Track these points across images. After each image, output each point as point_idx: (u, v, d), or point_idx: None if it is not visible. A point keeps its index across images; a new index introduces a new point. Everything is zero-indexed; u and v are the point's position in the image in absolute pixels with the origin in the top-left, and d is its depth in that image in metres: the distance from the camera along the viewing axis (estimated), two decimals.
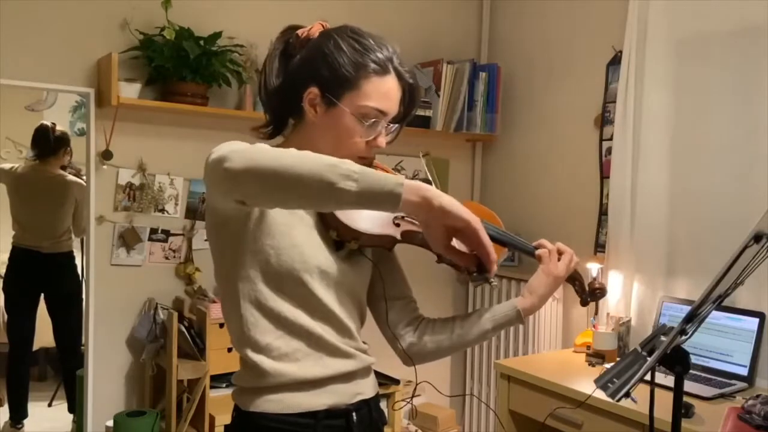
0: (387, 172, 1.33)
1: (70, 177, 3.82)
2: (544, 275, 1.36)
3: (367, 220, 1.23)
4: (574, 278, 1.49)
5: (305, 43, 1.27)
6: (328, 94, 1.21)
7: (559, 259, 1.38)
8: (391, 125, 1.27)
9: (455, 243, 1.06)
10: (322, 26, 1.28)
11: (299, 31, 1.28)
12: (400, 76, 1.25)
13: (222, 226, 1.19)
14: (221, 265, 1.23)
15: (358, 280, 1.31)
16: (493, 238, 1.33)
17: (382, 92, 1.22)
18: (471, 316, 1.37)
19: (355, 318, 1.31)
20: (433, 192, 0.99)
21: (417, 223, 1.25)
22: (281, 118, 1.31)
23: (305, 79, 1.23)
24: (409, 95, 1.29)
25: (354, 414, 1.27)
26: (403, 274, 1.43)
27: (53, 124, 3.82)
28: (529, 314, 1.36)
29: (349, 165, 0.97)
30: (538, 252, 1.39)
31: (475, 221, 1.02)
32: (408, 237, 1.27)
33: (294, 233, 1.20)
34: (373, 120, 1.22)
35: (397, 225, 1.25)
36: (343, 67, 1.20)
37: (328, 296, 1.23)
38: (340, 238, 1.24)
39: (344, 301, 1.27)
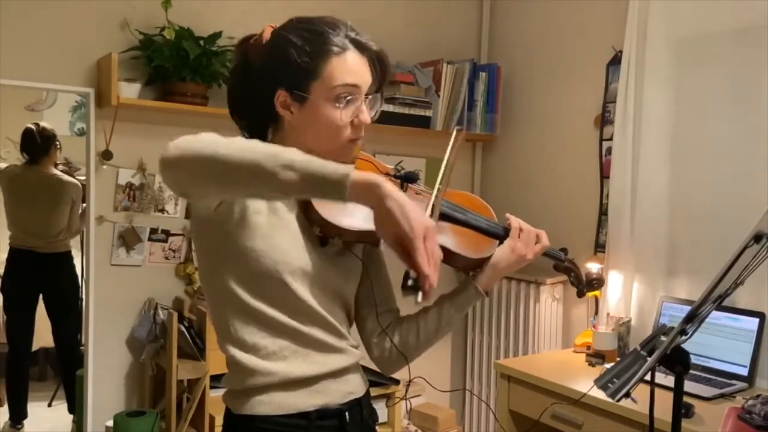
0: (375, 165, 1.31)
1: (65, 176, 3.81)
2: (509, 250, 1.33)
3: (351, 216, 1.19)
4: (570, 269, 1.48)
5: (261, 48, 1.24)
6: (296, 90, 1.18)
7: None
8: (371, 98, 1.23)
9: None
10: (272, 28, 1.25)
11: (252, 40, 1.26)
12: (361, 48, 1.21)
13: (203, 229, 1.18)
14: (204, 268, 1.22)
15: (344, 281, 1.29)
16: (483, 230, 1.32)
17: (346, 69, 1.18)
18: (432, 308, 1.35)
19: (342, 318, 1.29)
20: (381, 190, 0.94)
21: None
22: (259, 129, 1.28)
23: (270, 85, 1.21)
24: (379, 64, 1.24)
25: (347, 414, 1.26)
26: (388, 281, 1.40)
27: (36, 124, 3.81)
28: (486, 288, 1.32)
29: (292, 154, 0.95)
30: (508, 215, 1.36)
31: (420, 229, 0.93)
32: None
33: (276, 234, 1.18)
34: (348, 98, 1.19)
35: None
36: (300, 58, 1.17)
37: (310, 296, 1.21)
38: (323, 234, 1.22)
39: (329, 301, 1.25)
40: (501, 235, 1.35)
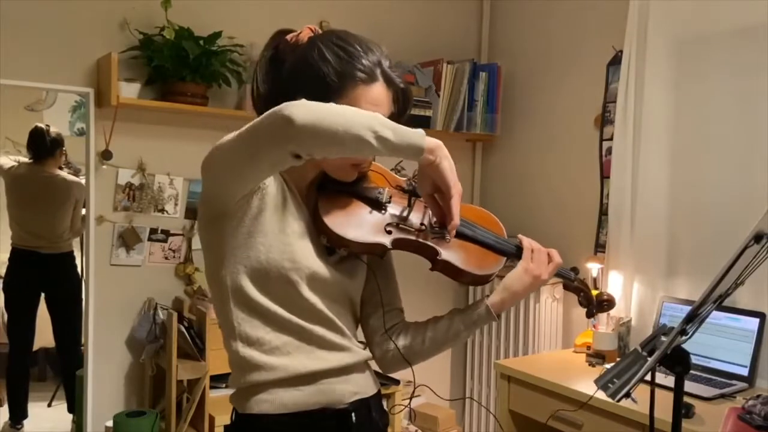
0: (386, 178, 1.32)
1: (70, 177, 3.82)
2: (522, 272, 1.31)
3: (357, 228, 1.22)
4: (580, 289, 1.44)
5: (294, 48, 1.25)
6: None
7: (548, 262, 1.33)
8: None
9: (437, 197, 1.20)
10: (311, 31, 1.26)
11: (288, 36, 1.27)
12: (389, 81, 1.23)
13: (218, 219, 1.19)
14: (211, 260, 1.22)
15: (351, 284, 1.29)
16: (490, 246, 1.32)
17: (370, 99, 1.20)
18: (443, 319, 1.35)
19: (348, 318, 1.29)
20: (441, 152, 1.13)
21: (410, 229, 1.25)
22: None
23: (292, 90, 1.21)
24: (402, 98, 1.27)
25: (353, 414, 1.26)
26: (394, 280, 1.41)
27: (47, 126, 3.83)
28: (499, 311, 1.31)
29: (383, 117, 1.08)
30: (519, 237, 1.34)
31: (456, 189, 1.16)
32: (399, 244, 1.25)
33: (288, 233, 1.19)
34: None
35: (389, 232, 1.24)
36: (328, 76, 1.19)
37: (316, 298, 1.22)
38: (330, 244, 1.24)
39: (336, 303, 1.26)
40: (509, 252, 1.33)
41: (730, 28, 2.47)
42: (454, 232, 1.20)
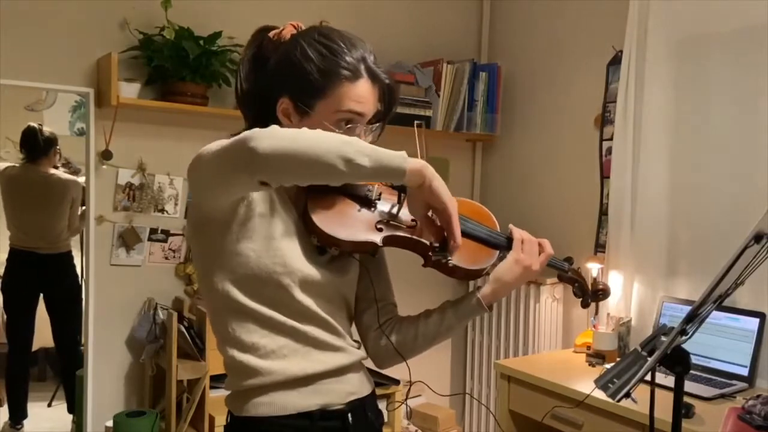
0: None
1: (65, 175, 3.82)
2: (513, 262, 1.28)
3: (347, 228, 1.20)
4: (574, 280, 1.44)
5: (277, 46, 1.24)
6: (300, 103, 1.19)
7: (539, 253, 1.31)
8: (372, 126, 1.25)
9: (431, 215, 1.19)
10: (294, 27, 1.25)
11: (271, 33, 1.26)
12: (374, 77, 1.22)
13: (206, 225, 1.18)
14: (202, 267, 1.22)
15: (344, 282, 1.28)
16: (482, 240, 1.31)
17: (354, 98, 1.19)
18: (435, 313, 1.34)
19: (342, 317, 1.29)
20: (429, 171, 1.10)
21: (401, 226, 1.24)
22: (260, 124, 1.26)
23: (276, 90, 1.21)
24: (388, 94, 1.26)
25: (350, 415, 1.26)
26: (387, 275, 1.41)
27: (40, 125, 3.83)
28: (490, 302, 1.29)
29: (361, 142, 1.05)
30: (510, 227, 1.33)
31: (453, 208, 1.14)
32: (390, 242, 1.24)
33: (276, 237, 1.18)
34: (349, 126, 1.19)
35: (380, 230, 1.23)
36: (311, 75, 1.18)
37: (309, 300, 1.21)
38: (320, 244, 1.23)
39: (330, 303, 1.25)
40: (502, 245, 1.32)
41: (730, 28, 2.47)
42: (454, 251, 1.18)
